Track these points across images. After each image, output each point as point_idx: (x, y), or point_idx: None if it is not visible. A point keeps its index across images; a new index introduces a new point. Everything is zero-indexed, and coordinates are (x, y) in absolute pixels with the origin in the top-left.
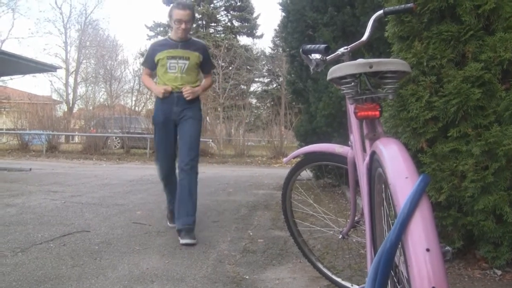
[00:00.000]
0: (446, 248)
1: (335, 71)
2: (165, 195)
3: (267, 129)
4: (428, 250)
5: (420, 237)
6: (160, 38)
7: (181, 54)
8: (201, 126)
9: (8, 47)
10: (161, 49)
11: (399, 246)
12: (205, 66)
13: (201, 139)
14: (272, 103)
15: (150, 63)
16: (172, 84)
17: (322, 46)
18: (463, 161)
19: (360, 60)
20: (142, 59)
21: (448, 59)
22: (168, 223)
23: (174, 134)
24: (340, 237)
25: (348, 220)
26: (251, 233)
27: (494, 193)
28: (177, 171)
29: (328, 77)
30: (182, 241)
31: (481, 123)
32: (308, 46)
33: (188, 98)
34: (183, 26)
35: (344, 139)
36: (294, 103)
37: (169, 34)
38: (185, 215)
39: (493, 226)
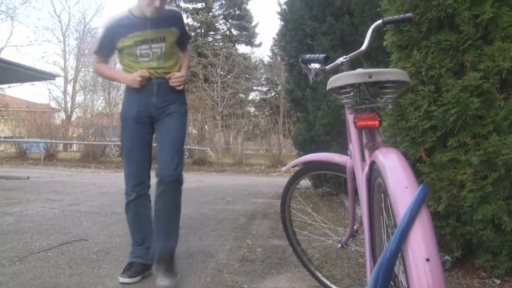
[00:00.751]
0: (445, 257)
1: (334, 81)
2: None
3: (266, 137)
4: (428, 260)
5: (420, 247)
6: (118, 12)
7: (154, 36)
8: (186, 122)
9: (6, 55)
10: (124, 32)
11: (399, 255)
12: (182, 40)
13: (199, 148)
14: (270, 111)
15: (107, 50)
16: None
17: (322, 55)
18: (462, 171)
19: (359, 70)
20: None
21: (447, 68)
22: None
23: (151, 133)
24: (339, 246)
25: (346, 229)
26: (249, 242)
27: (492, 203)
28: (150, 186)
29: (328, 87)
30: (161, 283)
31: (479, 133)
32: (308, 55)
33: (179, 88)
34: (157, 2)
35: (342, 148)
36: (292, 111)
37: (130, 7)
38: (164, 235)
39: (492, 235)
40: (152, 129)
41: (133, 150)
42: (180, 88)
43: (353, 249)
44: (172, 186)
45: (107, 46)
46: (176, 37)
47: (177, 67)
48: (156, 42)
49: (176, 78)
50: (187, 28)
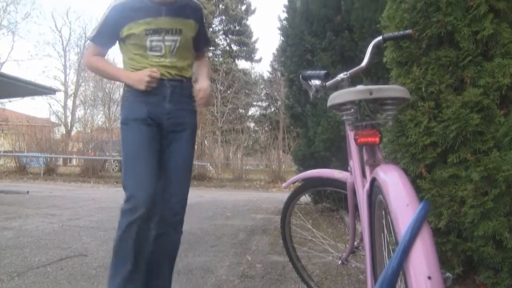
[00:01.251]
0: (447, 274)
1: (335, 98)
2: None
3: (265, 153)
4: (429, 278)
5: (422, 265)
6: None
7: (169, 25)
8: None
9: (7, 70)
10: (133, 16)
11: (400, 273)
12: (199, 40)
13: (199, 163)
14: (270, 127)
15: (108, 38)
16: (159, 69)
17: (322, 72)
18: (463, 187)
19: (360, 87)
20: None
21: (447, 85)
22: None
23: (159, 143)
24: (339, 262)
25: (347, 245)
26: (249, 258)
27: (493, 219)
28: None
29: (329, 104)
30: None
31: (480, 149)
32: (308, 72)
33: (204, 107)
34: None
35: (342, 164)
36: (292, 127)
37: None
38: (161, 277)
39: (493, 252)
40: (161, 139)
41: (143, 155)
42: (205, 106)
43: (353, 266)
44: (177, 227)
45: (108, 33)
46: (194, 33)
47: (189, 73)
48: (171, 34)
49: (200, 94)
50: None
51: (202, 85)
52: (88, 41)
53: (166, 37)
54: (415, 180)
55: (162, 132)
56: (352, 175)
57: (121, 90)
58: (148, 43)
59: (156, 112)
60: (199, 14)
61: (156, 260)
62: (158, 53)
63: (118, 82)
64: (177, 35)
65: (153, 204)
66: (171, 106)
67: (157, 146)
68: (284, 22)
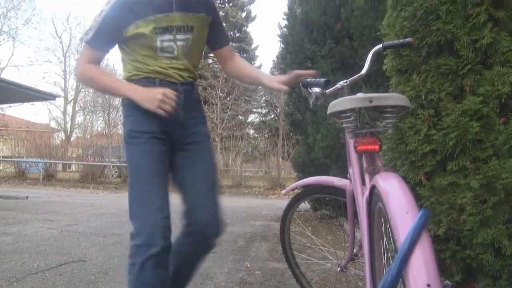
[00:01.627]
0: (446, 282)
1: (335, 105)
2: None
3: (265, 159)
4: (429, 285)
5: (421, 272)
6: None
7: (181, 22)
8: None
9: (7, 75)
10: (140, 12)
11: (400, 281)
12: (217, 33)
13: None
14: (270, 133)
15: (108, 40)
16: (171, 72)
17: (322, 80)
18: (462, 195)
19: (360, 95)
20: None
21: (446, 93)
22: None
23: (169, 156)
24: (338, 269)
25: (346, 253)
26: (248, 265)
27: (492, 227)
28: None
29: (328, 111)
30: None
31: (479, 157)
32: (308, 79)
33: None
34: None
35: (342, 171)
36: (292, 134)
37: None
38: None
39: (492, 260)
40: (170, 152)
41: (155, 177)
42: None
43: (352, 273)
44: (214, 242)
45: (109, 33)
46: (207, 29)
47: (197, 73)
48: (183, 32)
49: (287, 83)
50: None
51: (280, 79)
52: (83, 44)
53: (178, 36)
54: (414, 188)
55: (174, 146)
56: (352, 183)
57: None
58: (158, 43)
59: (169, 123)
60: (210, 4)
61: (185, 268)
62: (169, 54)
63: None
64: (189, 32)
65: (170, 231)
66: (183, 114)
67: (166, 161)
68: (284, 29)
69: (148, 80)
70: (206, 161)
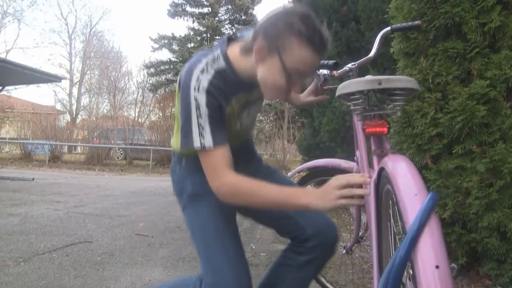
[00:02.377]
0: (452, 265)
1: (344, 88)
2: (168, 207)
3: (270, 142)
4: (437, 267)
5: (430, 254)
6: (207, 67)
7: (256, 95)
8: None
9: (13, 57)
10: (232, 92)
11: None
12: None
13: None
14: (275, 116)
15: (224, 128)
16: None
17: (331, 62)
18: (468, 178)
19: (369, 77)
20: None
21: (454, 76)
22: None
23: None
24: (343, 252)
25: (351, 235)
26: (253, 247)
27: (498, 210)
28: None
29: (337, 93)
30: None
31: (486, 140)
32: None
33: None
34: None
35: (347, 154)
36: (297, 117)
37: (227, 58)
38: None
39: (497, 243)
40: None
41: (229, 243)
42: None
43: (357, 255)
44: (334, 248)
45: (221, 121)
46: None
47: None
48: (254, 103)
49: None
50: None
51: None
52: (205, 153)
53: (251, 109)
54: (420, 171)
55: None
56: (359, 166)
57: (126, 79)
58: (242, 120)
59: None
60: None
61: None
62: (242, 127)
63: (123, 71)
64: (260, 100)
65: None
66: (241, 170)
67: (237, 223)
68: None
69: None
70: (278, 171)
